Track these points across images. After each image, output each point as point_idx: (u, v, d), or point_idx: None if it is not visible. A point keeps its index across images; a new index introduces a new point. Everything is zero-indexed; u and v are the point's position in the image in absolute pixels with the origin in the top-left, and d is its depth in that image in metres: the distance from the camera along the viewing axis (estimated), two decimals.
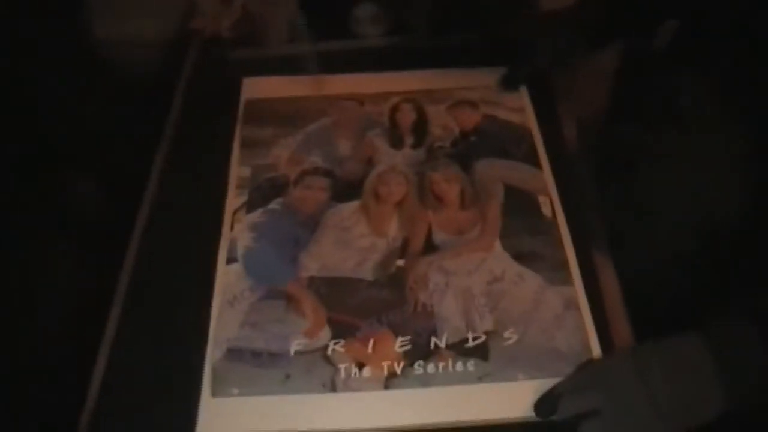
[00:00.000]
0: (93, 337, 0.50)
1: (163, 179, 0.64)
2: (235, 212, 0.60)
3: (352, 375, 0.48)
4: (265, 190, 0.62)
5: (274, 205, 0.61)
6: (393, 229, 0.59)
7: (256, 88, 0.69)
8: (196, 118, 0.68)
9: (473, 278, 0.55)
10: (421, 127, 0.67)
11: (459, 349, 0.50)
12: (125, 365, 0.49)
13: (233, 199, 0.61)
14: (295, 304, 0.54)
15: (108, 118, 0.67)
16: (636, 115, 0.63)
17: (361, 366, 0.49)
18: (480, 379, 0.47)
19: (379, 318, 0.53)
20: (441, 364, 0.48)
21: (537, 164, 0.63)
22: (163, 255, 0.58)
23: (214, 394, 0.47)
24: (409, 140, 0.66)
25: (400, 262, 0.57)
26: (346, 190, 0.62)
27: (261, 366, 0.49)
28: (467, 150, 0.65)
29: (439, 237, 0.59)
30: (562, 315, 0.53)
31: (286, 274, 0.56)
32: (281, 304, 0.54)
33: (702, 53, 0.54)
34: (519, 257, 0.56)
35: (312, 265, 0.57)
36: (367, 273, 0.56)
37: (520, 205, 0.60)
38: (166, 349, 0.49)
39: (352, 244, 0.58)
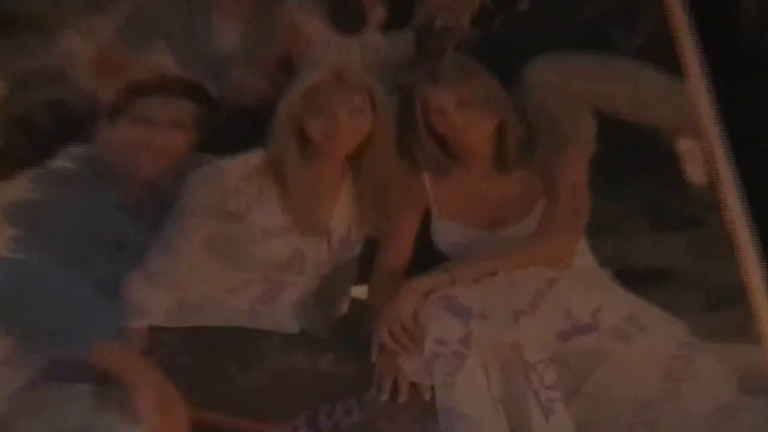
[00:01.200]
0: None
1: None
2: None
3: None
4: (43, 130, 0.62)
5: (65, 161, 0.61)
6: (342, 214, 0.60)
7: None
8: None
9: (527, 327, 0.56)
10: None
11: None
12: None
13: None
14: (117, 391, 0.54)
15: None
16: None
17: None
18: None
19: (312, 418, 0.53)
20: None
21: (674, 67, 0.64)
22: None
23: None
24: (375, 14, 0.68)
25: (360, 290, 0.58)
26: (233, 127, 0.63)
27: None
28: (508, 35, 0.66)
29: (448, 234, 0.60)
30: (733, 404, 0.54)
31: (96, 323, 0.56)
32: (84, 393, 0.54)
33: None
34: (632, 278, 0.58)
35: (157, 300, 0.57)
36: (282, 317, 0.57)
37: (634, 160, 0.62)
38: None
39: (248, 251, 0.59)
